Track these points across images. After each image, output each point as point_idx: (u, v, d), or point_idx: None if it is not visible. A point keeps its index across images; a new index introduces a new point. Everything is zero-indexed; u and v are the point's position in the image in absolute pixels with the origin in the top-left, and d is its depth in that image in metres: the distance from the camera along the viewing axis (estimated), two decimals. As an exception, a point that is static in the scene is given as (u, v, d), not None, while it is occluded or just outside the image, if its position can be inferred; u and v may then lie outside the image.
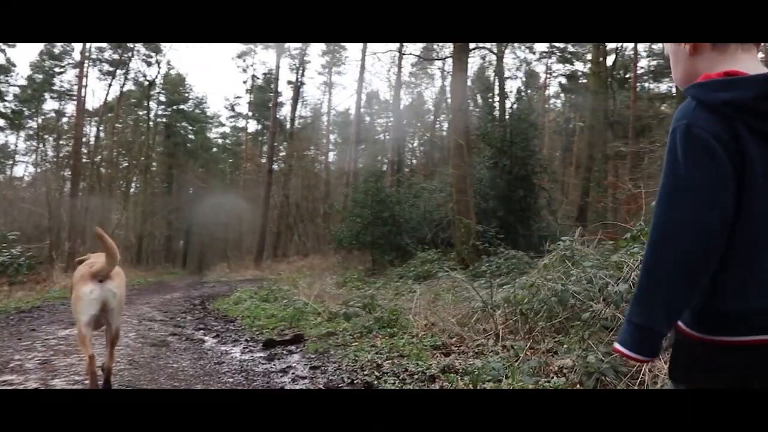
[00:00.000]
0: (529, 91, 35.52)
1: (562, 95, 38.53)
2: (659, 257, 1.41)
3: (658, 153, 22.67)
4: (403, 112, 38.25)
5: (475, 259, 15.45)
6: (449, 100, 36.55)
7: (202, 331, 8.76)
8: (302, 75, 40.90)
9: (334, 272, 20.16)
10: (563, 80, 37.24)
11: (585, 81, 36.53)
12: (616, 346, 1.49)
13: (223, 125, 50.02)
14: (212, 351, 6.90)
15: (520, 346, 5.47)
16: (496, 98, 25.79)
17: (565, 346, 5.19)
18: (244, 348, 7.11)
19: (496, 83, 25.90)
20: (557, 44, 33.33)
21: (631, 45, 29.31)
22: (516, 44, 30.90)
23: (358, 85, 35.35)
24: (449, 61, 30.77)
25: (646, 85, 34.24)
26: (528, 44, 32.65)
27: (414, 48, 33.25)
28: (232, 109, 48.61)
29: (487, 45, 24.39)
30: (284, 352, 6.73)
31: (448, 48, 27.27)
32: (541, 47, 34.44)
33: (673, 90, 37.83)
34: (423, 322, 7.13)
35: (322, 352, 6.53)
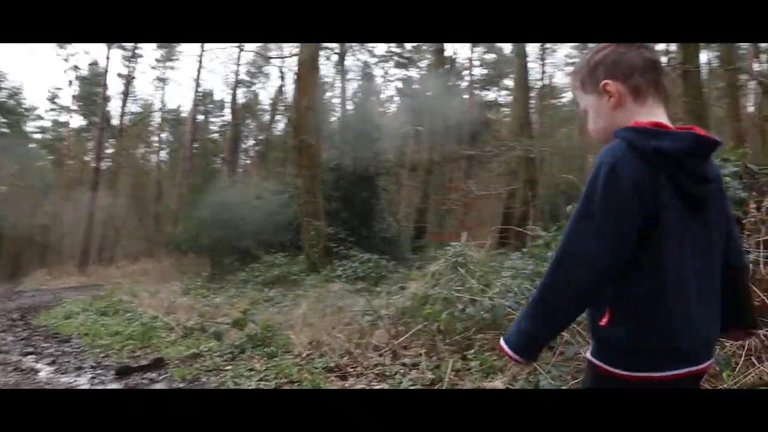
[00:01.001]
0: (369, 93, 35.34)
1: (397, 99, 38.71)
2: (557, 278, 1.52)
3: (487, 157, 23.50)
4: (239, 111, 36.67)
5: (326, 263, 14.73)
6: (288, 100, 35.72)
7: (31, 356, 7.21)
8: (134, 68, 37.90)
9: (170, 278, 18.56)
10: (400, 84, 37.44)
11: (419, 87, 37.17)
12: (502, 344, 1.64)
13: (42, 119, 45.23)
14: (51, 384, 5.60)
15: (439, 370, 4.78)
16: (337, 99, 25.32)
17: (483, 365, 4.56)
18: (92, 378, 5.83)
19: (338, 84, 25.37)
20: (395, 48, 33.48)
21: (466, 53, 30.05)
22: (356, 46, 30.48)
23: (195, 81, 33.39)
24: (288, 60, 29.98)
25: (477, 92, 35.31)
26: (369, 46, 32.41)
27: (251, 45, 31.96)
28: (53, 102, 44.11)
29: (331, 45, 23.78)
30: (144, 380, 5.60)
31: (290, 47, 26.36)
32: (380, 50, 34.38)
33: (500, 99, 39.63)
34: (304, 338, 6.25)
35: (192, 380, 5.49)
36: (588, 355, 1.62)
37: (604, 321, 1.54)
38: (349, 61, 33.47)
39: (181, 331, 7.89)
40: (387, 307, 6.25)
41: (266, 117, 40.42)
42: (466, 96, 36.04)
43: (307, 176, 15.45)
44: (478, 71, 37.12)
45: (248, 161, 40.61)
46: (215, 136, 41.73)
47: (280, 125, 38.66)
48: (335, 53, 24.74)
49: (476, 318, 5.13)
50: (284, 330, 6.77)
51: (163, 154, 43.50)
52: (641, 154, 1.48)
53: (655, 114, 1.61)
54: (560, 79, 40.40)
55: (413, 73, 36.84)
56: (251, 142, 41.12)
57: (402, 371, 5.09)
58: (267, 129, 38.76)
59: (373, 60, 35.63)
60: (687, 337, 1.52)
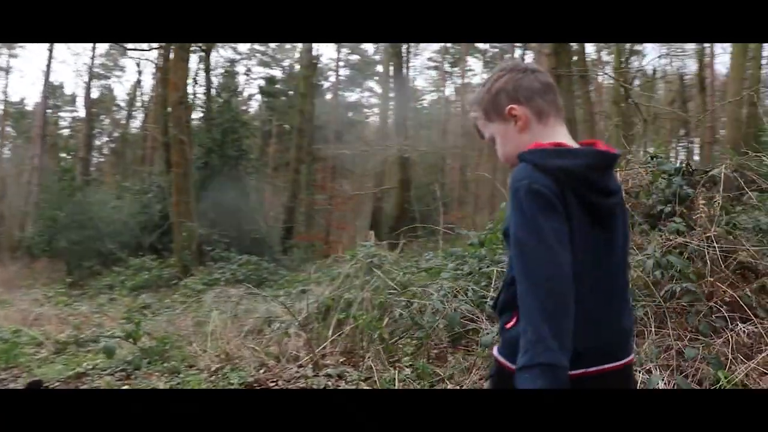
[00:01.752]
0: (233, 90, 34.02)
1: (259, 97, 37.56)
2: (543, 299, 1.48)
3: (361, 157, 23.34)
4: (93, 105, 34.09)
5: (198, 266, 13.85)
6: (145, 96, 33.72)
7: None
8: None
9: (19, 285, 16.72)
10: (262, 83, 36.31)
11: (280, 86, 36.37)
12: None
13: None
14: None
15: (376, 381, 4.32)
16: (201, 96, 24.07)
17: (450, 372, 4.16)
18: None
19: (204, 80, 24.09)
20: (259, 47, 32.50)
21: (331, 53, 29.57)
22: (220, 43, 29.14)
23: (44, 72, 30.60)
24: (147, 53, 28.18)
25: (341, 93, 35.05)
26: (232, 44, 31.17)
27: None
28: None
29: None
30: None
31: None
32: (244, 48, 33.17)
33: (363, 100, 39.66)
34: (206, 348, 5.57)
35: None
36: (495, 352, 1.73)
37: (510, 324, 1.64)
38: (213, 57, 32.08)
39: (52, 347, 6.90)
40: (299, 313, 5.72)
41: (122, 113, 37.98)
42: (330, 96, 35.82)
43: (178, 174, 14.41)
44: (342, 72, 36.86)
45: (102, 159, 37.97)
46: (66, 131, 38.62)
47: (137, 122, 36.45)
48: (200, 48, 23.44)
49: (409, 323, 4.75)
50: (180, 341, 6.05)
51: (5, 150, 39.64)
52: (547, 173, 1.54)
53: (558, 132, 1.70)
54: (421, 82, 41.26)
55: (276, 72, 36.09)
56: (105, 138, 38.50)
57: (330, 384, 4.61)
58: (123, 126, 36.36)
59: (237, 57, 34.44)
60: (600, 336, 1.62)
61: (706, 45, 25.10)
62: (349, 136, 34.12)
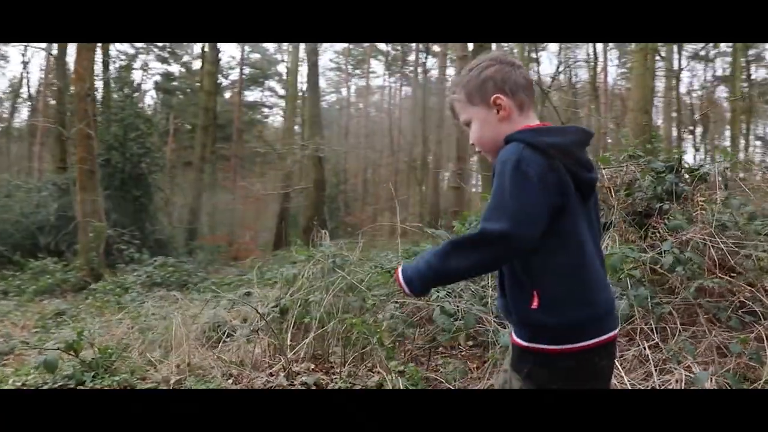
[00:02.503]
0: (132, 84, 32.27)
1: (155, 94, 35.88)
2: (471, 253, 1.61)
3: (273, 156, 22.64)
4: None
5: (108, 268, 12.92)
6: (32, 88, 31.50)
7: None
8: None
9: None
10: (159, 78, 34.72)
11: (177, 83, 35.02)
12: (399, 274, 1.73)
13: None
14: None
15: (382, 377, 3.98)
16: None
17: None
18: None
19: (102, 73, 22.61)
20: (157, 44, 31.00)
21: (232, 52, 28.73)
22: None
23: None
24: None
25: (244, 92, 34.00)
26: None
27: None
28: None
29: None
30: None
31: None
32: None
33: (264, 99, 38.68)
34: (159, 359, 5.02)
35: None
36: (516, 338, 1.75)
37: (534, 305, 1.66)
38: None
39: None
40: (263, 317, 5.26)
41: (4, 105, 35.24)
42: (230, 95, 34.73)
43: (84, 171, 13.30)
44: (245, 70, 35.84)
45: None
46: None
47: (23, 115, 33.97)
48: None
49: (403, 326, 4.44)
50: (122, 351, 5.43)
51: None
52: (539, 150, 1.63)
53: (532, 119, 1.83)
54: (323, 83, 40.82)
55: (174, 68, 34.67)
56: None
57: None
58: (7, 120, 33.70)
59: (133, 51, 32.74)
60: (604, 307, 1.71)
61: (599, 55, 26.25)
62: (248, 135, 33.31)
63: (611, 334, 1.70)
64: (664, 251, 3.51)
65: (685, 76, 27.67)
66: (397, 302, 4.64)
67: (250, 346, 5.10)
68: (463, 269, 1.65)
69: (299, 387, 4.40)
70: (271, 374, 4.65)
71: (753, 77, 26.72)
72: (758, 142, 34.14)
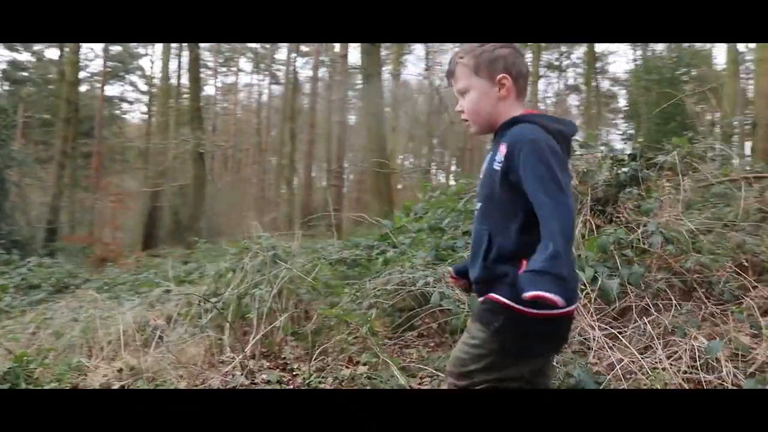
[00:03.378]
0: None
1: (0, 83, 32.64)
2: (565, 228, 1.66)
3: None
4: None
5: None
6: None
7: None
8: None
9: None
10: (5, 67, 31.58)
11: (27, 74, 32.32)
12: (552, 297, 1.58)
13: None
14: None
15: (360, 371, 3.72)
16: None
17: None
18: None
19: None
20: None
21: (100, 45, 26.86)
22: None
23: None
24: None
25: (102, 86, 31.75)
26: None
27: None
28: None
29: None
30: None
31: None
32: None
33: (125, 93, 36.38)
34: (90, 364, 4.45)
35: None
36: (498, 296, 1.81)
37: (522, 270, 1.70)
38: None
39: None
40: (210, 310, 4.84)
41: None
42: (87, 88, 32.42)
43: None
44: (99, 63, 33.57)
45: None
46: None
47: None
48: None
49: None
50: (38, 358, 4.78)
51: None
52: (551, 134, 1.80)
53: (523, 107, 1.97)
54: (186, 80, 39.12)
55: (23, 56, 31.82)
56: None
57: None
58: None
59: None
60: (577, 279, 2.00)
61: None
62: (108, 131, 31.30)
63: (576, 305, 1.92)
64: (651, 232, 3.59)
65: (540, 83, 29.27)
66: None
67: (192, 345, 4.67)
68: (570, 242, 1.71)
69: (262, 385, 4.07)
70: (225, 373, 4.27)
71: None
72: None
